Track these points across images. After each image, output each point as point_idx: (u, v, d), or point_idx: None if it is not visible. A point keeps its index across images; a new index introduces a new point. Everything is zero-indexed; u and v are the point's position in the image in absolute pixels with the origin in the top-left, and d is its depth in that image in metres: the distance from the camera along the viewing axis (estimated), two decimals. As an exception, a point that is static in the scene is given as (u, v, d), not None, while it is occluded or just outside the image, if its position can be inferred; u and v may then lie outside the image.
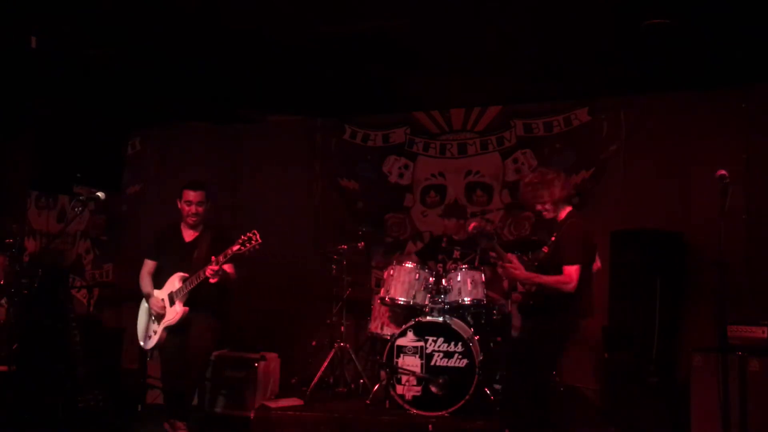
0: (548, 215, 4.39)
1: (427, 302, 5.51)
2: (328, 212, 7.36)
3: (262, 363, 5.92)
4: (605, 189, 6.50)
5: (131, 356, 6.48)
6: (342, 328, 6.18)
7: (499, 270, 4.60)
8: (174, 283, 4.94)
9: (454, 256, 5.94)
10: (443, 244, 6.13)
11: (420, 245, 7.01)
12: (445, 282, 5.55)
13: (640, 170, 6.37)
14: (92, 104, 6.69)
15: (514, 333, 6.02)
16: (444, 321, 5.31)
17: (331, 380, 6.16)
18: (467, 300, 5.50)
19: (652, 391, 5.33)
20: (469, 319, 5.68)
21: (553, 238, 4.37)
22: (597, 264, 4.49)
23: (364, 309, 6.28)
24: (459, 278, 5.55)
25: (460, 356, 5.19)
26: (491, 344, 5.78)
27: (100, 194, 4.54)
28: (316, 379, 5.89)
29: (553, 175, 4.36)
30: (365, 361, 6.32)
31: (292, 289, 7.02)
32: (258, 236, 4.48)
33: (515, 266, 4.36)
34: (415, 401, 5.21)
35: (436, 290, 5.54)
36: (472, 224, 4.63)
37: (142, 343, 5.23)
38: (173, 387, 4.97)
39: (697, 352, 4.91)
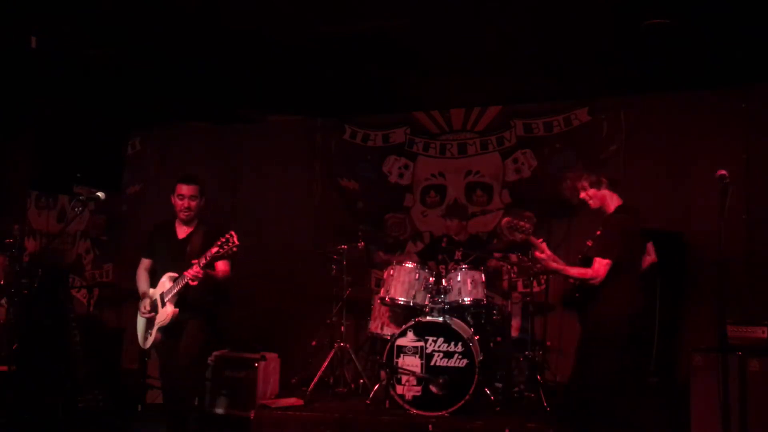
0: (594, 204, 4.38)
1: (427, 302, 5.51)
2: (328, 212, 7.35)
3: (262, 363, 5.92)
4: (605, 189, 6.49)
5: (131, 356, 6.49)
6: (342, 328, 6.18)
7: (537, 254, 4.51)
8: (165, 283, 4.90)
9: (456, 257, 5.94)
10: (443, 245, 6.13)
11: (420, 245, 7.01)
12: (445, 282, 5.56)
13: (640, 170, 6.35)
14: (92, 104, 6.68)
15: (514, 333, 6.02)
16: (444, 321, 5.31)
17: (331, 380, 6.14)
18: (467, 300, 5.51)
19: (652, 391, 5.33)
20: (469, 319, 5.69)
21: (598, 232, 4.33)
22: (650, 257, 4.47)
23: (364, 309, 6.29)
24: (459, 278, 5.56)
25: (460, 356, 5.19)
26: (491, 344, 5.79)
27: (100, 194, 4.52)
28: (316, 379, 5.89)
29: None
30: (365, 361, 6.32)
31: (292, 289, 7.01)
32: (235, 238, 4.40)
33: (547, 256, 4.35)
34: (415, 401, 5.21)
35: (436, 290, 5.55)
36: (506, 219, 4.66)
37: (141, 343, 5.22)
38: (171, 387, 4.96)
39: (697, 352, 4.90)
